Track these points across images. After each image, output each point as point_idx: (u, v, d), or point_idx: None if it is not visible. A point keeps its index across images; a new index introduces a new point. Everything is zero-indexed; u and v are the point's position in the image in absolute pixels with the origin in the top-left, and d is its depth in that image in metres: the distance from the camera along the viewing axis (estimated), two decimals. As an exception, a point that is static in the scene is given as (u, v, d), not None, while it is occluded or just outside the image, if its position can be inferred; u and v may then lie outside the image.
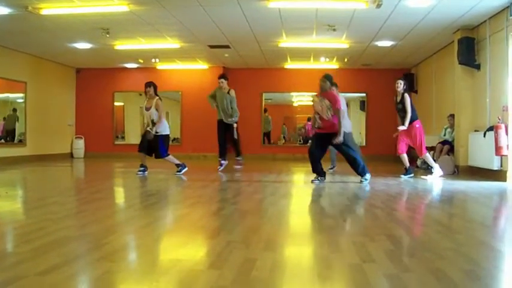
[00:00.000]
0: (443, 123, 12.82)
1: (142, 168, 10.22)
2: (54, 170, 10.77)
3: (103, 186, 9.04)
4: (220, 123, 11.37)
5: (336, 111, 8.72)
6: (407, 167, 10.26)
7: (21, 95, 15.11)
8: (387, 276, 3.02)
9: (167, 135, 10.44)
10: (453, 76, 12.08)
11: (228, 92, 11.16)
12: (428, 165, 12.09)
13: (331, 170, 11.40)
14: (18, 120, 15.08)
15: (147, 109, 10.20)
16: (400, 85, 10.20)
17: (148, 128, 10.12)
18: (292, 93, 19.27)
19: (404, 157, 10.29)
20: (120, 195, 8.21)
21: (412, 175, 10.18)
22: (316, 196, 7.68)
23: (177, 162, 10.48)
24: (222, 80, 11.39)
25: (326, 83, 8.84)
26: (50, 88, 16.34)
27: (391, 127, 17.17)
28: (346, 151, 8.98)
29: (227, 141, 11.44)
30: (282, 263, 3.43)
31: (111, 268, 3.21)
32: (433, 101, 14.67)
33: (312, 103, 9.11)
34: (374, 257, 3.50)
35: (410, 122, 10.01)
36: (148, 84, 10.28)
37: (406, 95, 10.06)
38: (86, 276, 3.13)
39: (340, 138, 8.67)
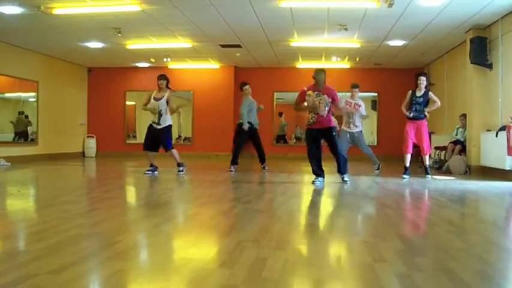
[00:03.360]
0: (455, 123, 12.76)
1: (151, 168, 10.21)
2: (66, 169, 10.82)
3: (114, 185, 9.07)
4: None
5: (337, 105, 8.74)
6: (407, 167, 10.18)
7: (33, 94, 15.20)
8: (398, 276, 3.01)
9: (171, 126, 10.44)
10: (465, 75, 12.02)
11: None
12: (440, 164, 12.10)
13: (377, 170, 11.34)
14: (30, 124, 15.09)
15: (157, 99, 10.16)
16: (424, 82, 10.10)
17: (152, 122, 10.15)
18: (304, 93, 19.23)
19: (409, 157, 10.21)
20: (131, 194, 8.24)
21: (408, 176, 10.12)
22: (327, 195, 7.67)
23: (179, 160, 10.48)
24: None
25: (322, 77, 8.71)
26: (61, 87, 16.42)
27: (402, 126, 17.19)
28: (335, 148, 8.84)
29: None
30: (293, 262, 3.42)
31: (122, 267, 3.22)
32: (445, 101, 14.58)
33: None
34: (385, 256, 3.49)
35: (423, 118, 9.97)
36: (161, 76, 10.27)
37: (430, 92, 10.18)
38: (98, 275, 3.15)
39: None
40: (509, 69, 10.09)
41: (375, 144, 17.68)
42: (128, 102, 18.72)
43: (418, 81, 10.05)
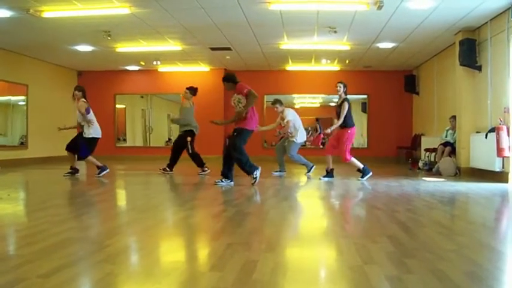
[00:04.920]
0: (444, 125, 12.82)
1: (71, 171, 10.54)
2: (56, 173, 10.77)
3: (104, 188, 9.05)
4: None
5: (248, 96, 8.65)
6: (329, 170, 10.20)
7: (23, 97, 15.14)
8: (388, 278, 3.02)
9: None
10: (454, 77, 12.09)
11: None
12: (430, 166, 12.14)
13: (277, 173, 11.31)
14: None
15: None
16: (340, 88, 10.06)
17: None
18: (294, 95, 19.22)
19: (330, 159, 10.22)
20: (121, 198, 8.22)
21: (332, 178, 10.13)
22: (317, 198, 7.68)
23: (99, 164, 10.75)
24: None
25: (229, 85, 8.91)
26: (51, 91, 16.36)
27: (392, 129, 17.31)
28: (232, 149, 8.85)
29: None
30: (283, 265, 3.42)
31: (112, 270, 3.21)
32: (434, 103, 14.67)
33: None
34: (375, 258, 3.50)
35: (345, 127, 9.91)
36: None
37: (346, 103, 9.93)
38: (88, 279, 3.13)
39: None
40: (498, 71, 10.14)
41: (365, 146, 17.73)
42: (117, 106, 18.71)
43: (337, 88, 10.13)
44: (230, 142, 8.88)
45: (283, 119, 11.16)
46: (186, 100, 11.50)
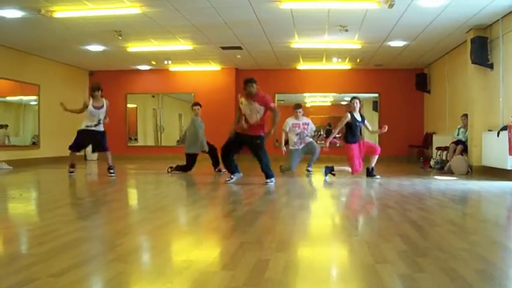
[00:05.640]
0: (456, 123, 12.76)
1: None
2: (67, 173, 10.80)
3: (115, 188, 9.08)
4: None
5: (272, 110, 8.78)
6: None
7: (35, 97, 15.22)
8: (400, 276, 3.01)
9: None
10: (466, 76, 12.02)
11: None
12: (442, 164, 12.10)
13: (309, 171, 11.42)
14: (9, 139, 14.81)
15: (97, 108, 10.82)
16: (357, 104, 10.10)
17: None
18: (305, 94, 19.19)
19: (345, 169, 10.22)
20: (132, 197, 8.24)
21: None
22: (329, 197, 7.67)
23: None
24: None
25: (253, 87, 8.81)
26: (63, 91, 16.39)
27: (404, 127, 17.24)
28: (261, 156, 8.90)
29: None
30: (295, 264, 3.42)
31: (124, 270, 3.22)
32: (446, 101, 14.60)
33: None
34: (387, 257, 3.49)
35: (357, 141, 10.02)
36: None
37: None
38: (99, 278, 3.14)
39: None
40: (510, 69, 10.09)
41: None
42: (129, 105, 18.75)
43: (352, 103, 10.10)
44: (255, 150, 8.89)
45: (307, 124, 11.26)
46: (197, 117, 11.53)
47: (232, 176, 8.99)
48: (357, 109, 10.02)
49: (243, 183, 8.84)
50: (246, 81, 8.85)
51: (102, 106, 10.79)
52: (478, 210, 6.74)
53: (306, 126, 11.22)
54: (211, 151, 11.48)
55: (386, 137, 17.44)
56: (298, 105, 11.48)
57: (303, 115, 11.42)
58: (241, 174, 9.11)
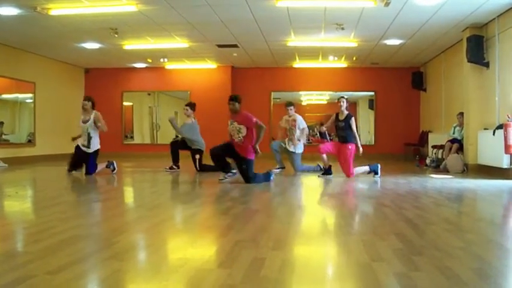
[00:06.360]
0: (452, 122, 12.78)
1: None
2: (63, 170, 10.79)
3: (111, 186, 9.08)
4: None
5: (256, 127, 8.77)
6: (326, 167, 10.22)
7: (30, 95, 15.18)
8: (396, 275, 3.02)
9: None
10: (462, 74, 12.04)
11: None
12: (437, 163, 12.12)
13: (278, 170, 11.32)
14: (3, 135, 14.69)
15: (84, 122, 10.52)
16: (344, 103, 9.95)
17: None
18: (301, 92, 19.16)
19: (324, 157, 10.14)
20: (128, 195, 8.24)
21: (331, 175, 10.09)
22: (325, 195, 7.70)
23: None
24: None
25: (235, 105, 8.88)
26: (58, 88, 16.40)
27: (400, 125, 17.27)
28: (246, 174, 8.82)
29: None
30: (291, 262, 3.43)
31: (120, 267, 3.22)
32: (442, 99, 14.63)
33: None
34: (383, 255, 3.50)
35: (347, 142, 9.87)
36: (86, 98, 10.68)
37: (353, 118, 9.91)
38: (96, 275, 3.15)
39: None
40: (506, 68, 10.11)
41: (372, 143, 17.69)
42: (125, 103, 18.73)
43: (339, 103, 9.99)
44: (243, 173, 8.81)
45: (294, 120, 11.18)
46: (187, 117, 11.50)
47: (226, 176, 8.97)
48: (342, 109, 9.95)
49: (238, 182, 8.83)
50: (229, 99, 8.97)
51: (89, 120, 10.39)
52: (474, 208, 6.76)
53: (293, 123, 11.20)
54: (176, 146, 11.65)
55: (382, 135, 17.53)
56: (289, 103, 11.56)
57: (295, 112, 11.46)
58: (236, 172, 9.08)
